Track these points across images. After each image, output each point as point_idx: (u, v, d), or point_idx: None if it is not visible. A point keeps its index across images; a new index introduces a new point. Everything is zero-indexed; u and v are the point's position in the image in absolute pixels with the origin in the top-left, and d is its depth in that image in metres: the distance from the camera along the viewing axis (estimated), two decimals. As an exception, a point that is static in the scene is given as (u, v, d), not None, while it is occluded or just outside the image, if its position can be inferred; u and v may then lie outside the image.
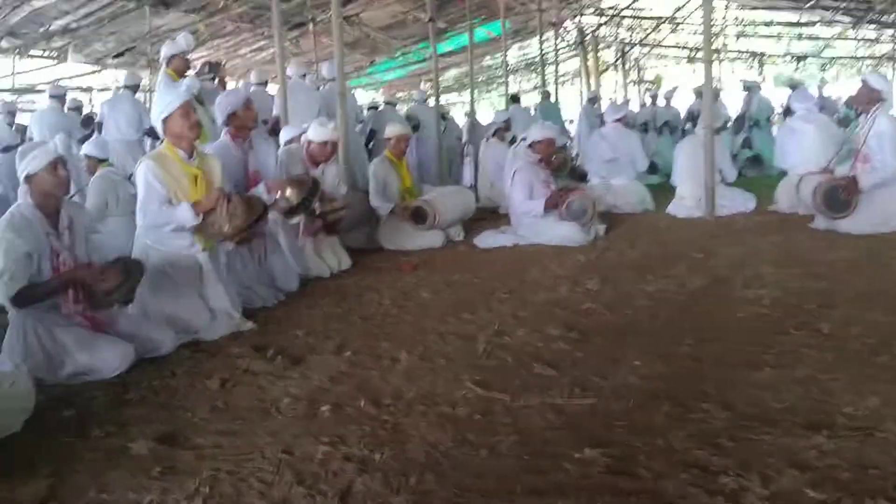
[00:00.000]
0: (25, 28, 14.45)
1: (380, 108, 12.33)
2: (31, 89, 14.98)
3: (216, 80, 9.05)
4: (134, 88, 9.45)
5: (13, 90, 14.56)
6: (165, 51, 7.69)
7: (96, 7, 14.22)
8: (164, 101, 4.93)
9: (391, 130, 7.84)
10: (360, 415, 3.19)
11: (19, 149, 4.13)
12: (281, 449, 2.87)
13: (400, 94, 26.04)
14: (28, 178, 3.94)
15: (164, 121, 4.65)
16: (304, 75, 10.01)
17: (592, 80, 22.59)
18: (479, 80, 23.83)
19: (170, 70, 7.58)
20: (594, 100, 16.27)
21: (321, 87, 10.13)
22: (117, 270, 4.09)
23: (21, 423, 3.22)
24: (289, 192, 5.17)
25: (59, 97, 9.76)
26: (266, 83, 10.25)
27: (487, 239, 7.37)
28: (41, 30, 14.37)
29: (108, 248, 6.53)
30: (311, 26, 16.30)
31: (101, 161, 7.08)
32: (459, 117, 17.82)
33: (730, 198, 8.42)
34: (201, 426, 3.18)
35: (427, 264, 6.56)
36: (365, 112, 13.16)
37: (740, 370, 3.45)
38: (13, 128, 10.55)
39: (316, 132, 6.35)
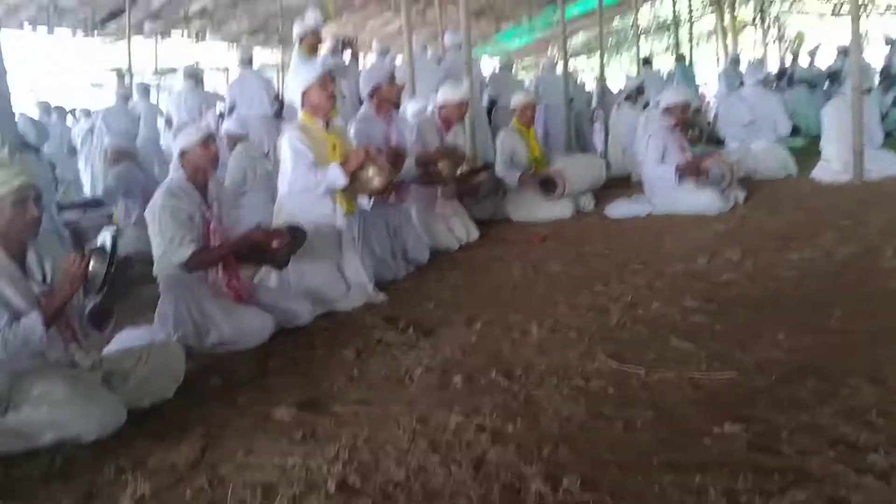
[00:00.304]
0: (166, 11, 15.19)
1: (496, 72, 12.16)
2: (171, 70, 15.71)
3: (349, 56, 9.22)
4: (249, 61, 9.72)
5: (155, 72, 15.32)
6: (297, 30, 7.90)
7: (230, -13, 14.79)
8: (301, 74, 5.08)
9: (516, 100, 7.77)
10: (492, 386, 3.20)
11: (174, 126, 4.35)
12: (415, 418, 2.91)
13: (527, 61, 25.83)
14: (182, 154, 4.14)
15: (304, 93, 4.81)
16: (424, 47, 10.05)
17: (730, 40, 21.60)
18: (609, 43, 23.24)
19: (303, 47, 7.77)
20: (737, 61, 15.53)
21: (444, 58, 10.15)
22: (284, 233, 4.34)
23: (173, 390, 3.43)
24: (441, 164, 5.21)
25: (193, 76, 10.20)
26: (387, 52, 10.34)
27: (619, 208, 7.22)
28: (180, 12, 15.06)
29: (246, 222, 6.86)
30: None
31: (240, 138, 7.37)
32: (588, 83, 17.45)
33: (879, 161, 7.88)
34: (339, 395, 3.28)
35: (556, 235, 6.49)
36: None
37: (892, 344, 3.24)
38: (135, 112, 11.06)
39: (449, 93, 6.46)
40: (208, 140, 4.17)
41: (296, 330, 4.26)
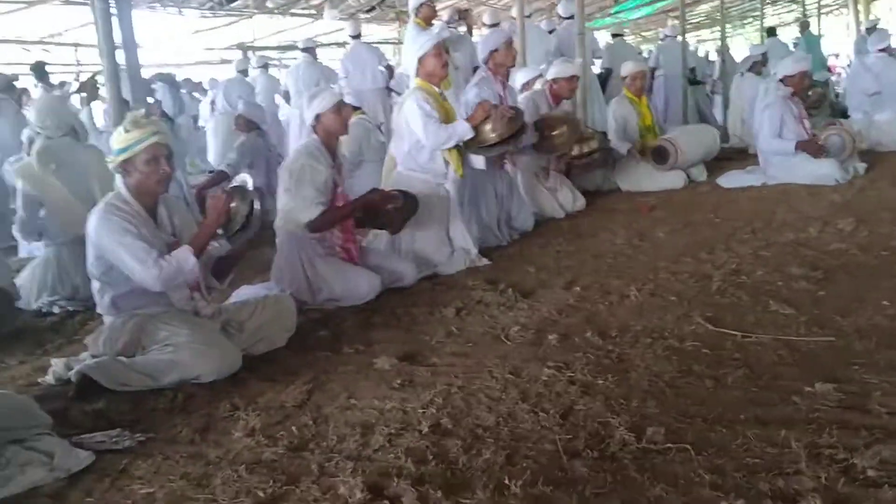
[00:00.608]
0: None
1: (611, 43, 11.98)
2: (292, 46, 16.19)
3: (465, 28, 9.29)
4: (357, 36, 9.93)
5: (277, 47, 15.83)
6: (413, 1, 8.00)
7: (349, -37, 15.09)
8: (417, 43, 5.23)
9: (627, 68, 7.67)
10: (586, 344, 3.27)
11: (308, 92, 4.55)
12: (508, 370, 3.02)
13: (648, 33, 25.23)
14: (317, 117, 4.35)
15: (420, 59, 4.95)
16: (530, 15, 10.01)
17: (861, 8, 20.43)
18: (732, 13, 22.37)
19: (418, 19, 7.87)
20: (872, 30, 14.69)
21: (556, 28, 10.09)
22: (399, 197, 4.54)
23: (285, 340, 3.67)
24: (487, 129, 5.24)
25: (310, 50, 10.51)
26: (498, 24, 10.36)
27: (732, 179, 7.06)
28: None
29: (359, 191, 7.09)
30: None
31: (355, 109, 7.61)
32: (711, 55, 16.92)
33: None
34: (437, 348, 3.43)
35: (665, 205, 6.42)
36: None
37: None
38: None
39: (561, 68, 6.49)
40: (341, 105, 4.38)
41: (400, 289, 4.43)
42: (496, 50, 5.76)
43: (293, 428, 2.68)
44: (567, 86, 6.52)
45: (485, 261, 4.95)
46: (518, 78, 7.04)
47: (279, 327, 3.70)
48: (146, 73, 8.40)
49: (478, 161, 5.18)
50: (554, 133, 6.03)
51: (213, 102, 11.99)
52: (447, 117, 4.94)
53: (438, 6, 8.90)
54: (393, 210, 4.51)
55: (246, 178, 3.90)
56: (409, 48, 7.11)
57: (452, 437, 2.51)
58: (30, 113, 9.68)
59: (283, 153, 7.97)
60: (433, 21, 8.05)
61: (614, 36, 12.03)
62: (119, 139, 3.31)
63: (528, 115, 6.12)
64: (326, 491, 2.22)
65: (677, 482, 2.10)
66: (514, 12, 10.14)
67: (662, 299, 3.81)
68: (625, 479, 2.15)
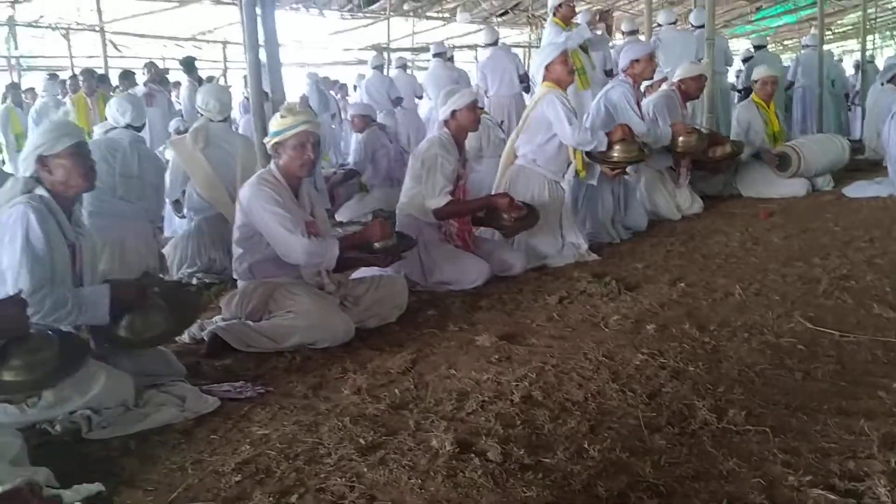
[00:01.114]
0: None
1: (753, 57, 11.73)
2: (425, 48, 16.63)
3: (604, 29, 9.31)
4: (495, 42, 10.11)
5: (411, 49, 16.29)
6: (552, 1, 8.03)
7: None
8: (546, 48, 5.42)
9: (758, 72, 7.56)
10: (682, 335, 3.35)
11: (444, 90, 4.82)
12: (602, 353, 3.15)
13: (791, 42, 24.32)
14: (453, 113, 4.62)
15: (547, 66, 5.12)
16: (675, 22, 9.94)
17: None
18: (879, 23, 21.30)
19: (556, 19, 7.82)
20: None
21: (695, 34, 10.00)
22: (523, 207, 4.76)
23: (395, 316, 3.93)
24: (616, 149, 5.31)
25: (441, 55, 10.82)
26: (636, 32, 10.34)
27: (859, 189, 6.85)
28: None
29: (477, 186, 7.32)
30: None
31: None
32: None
33: None
34: (537, 330, 3.59)
35: (785, 211, 6.32)
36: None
37: None
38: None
39: (688, 69, 6.56)
40: (475, 104, 4.65)
41: (508, 277, 4.62)
42: (637, 60, 5.85)
43: (396, 390, 2.91)
44: (695, 85, 6.58)
45: (594, 256, 5.06)
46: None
47: (391, 305, 3.97)
48: (292, 71, 8.92)
49: (595, 170, 5.33)
50: (682, 139, 6.09)
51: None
52: None
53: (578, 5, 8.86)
54: (514, 219, 4.69)
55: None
56: (543, 49, 7.23)
57: (541, 407, 2.67)
58: (182, 102, 10.48)
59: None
60: (571, 21, 8.00)
61: (757, 48, 11.77)
62: (275, 123, 3.70)
63: (661, 114, 6.21)
64: (420, 443, 2.44)
65: (751, 459, 2.19)
66: (662, 18, 10.17)
67: (766, 299, 3.83)
68: (701, 452, 2.26)
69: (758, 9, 20.64)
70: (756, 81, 7.50)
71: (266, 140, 3.80)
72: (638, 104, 5.85)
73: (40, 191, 2.91)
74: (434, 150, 4.56)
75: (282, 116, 3.68)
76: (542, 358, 3.16)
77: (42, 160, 2.92)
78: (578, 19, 8.44)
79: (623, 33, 10.66)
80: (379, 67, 11.91)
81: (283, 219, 3.59)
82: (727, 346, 3.17)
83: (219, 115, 5.33)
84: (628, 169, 5.61)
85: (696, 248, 5.20)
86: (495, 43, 10.09)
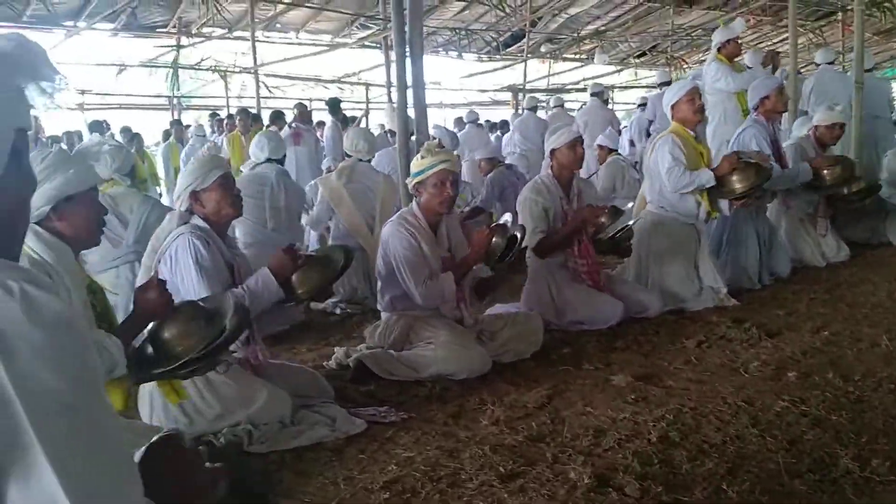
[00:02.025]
0: (561, 33, 16.34)
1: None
2: (561, 89, 16.81)
3: (773, 69, 9.11)
4: (667, 83, 10.06)
5: (546, 90, 16.50)
6: (718, 37, 7.56)
7: (624, 10, 15.44)
8: (673, 87, 5.44)
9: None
10: (825, 384, 3.29)
11: (549, 128, 4.95)
12: (741, 398, 3.14)
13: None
14: (552, 152, 4.73)
15: (673, 105, 5.14)
16: (833, 62, 9.67)
17: None
18: None
19: (721, 55, 7.61)
20: None
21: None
22: (605, 208, 4.84)
23: (531, 353, 4.03)
24: (732, 180, 5.20)
25: (599, 94, 10.92)
26: (799, 72, 10.06)
27: None
28: (574, 34, 16.09)
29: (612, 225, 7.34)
30: (839, 15, 15.50)
31: (611, 151, 7.94)
32: None
33: None
34: (674, 373, 3.60)
35: (942, 261, 6.02)
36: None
37: None
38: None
39: (823, 116, 6.34)
40: (576, 143, 4.69)
41: (643, 319, 4.62)
42: (767, 97, 5.78)
43: (532, 423, 3.01)
44: (829, 134, 6.31)
45: (733, 301, 4.99)
46: (795, 126, 6.91)
47: (526, 341, 4.07)
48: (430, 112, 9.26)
49: (724, 205, 5.23)
50: (825, 171, 5.93)
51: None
52: (698, 160, 5.05)
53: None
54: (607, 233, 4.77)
55: (508, 218, 4.34)
56: (708, 84, 7.18)
57: (679, 448, 2.70)
58: (326, 141, 11.01)
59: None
60: (735, 59, 7.80)
61: None
62: (415, 164, 3.93)
63: (793, 160, 6.07)
64: (558, 475, 2.52)
65: (897, 510, 2.16)
66: (820, 58, 9.88)
67: (918, 350, 3.70)
68: (842, 501, 2.24)
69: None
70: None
71: (408, 180, 4.03)
72: (773, 141, 5.73)
73: (196, 220, 3.22)
74: (525, 194, 4.70)
75: (422, 157, 3.90)
76: (679, 400, 3.18)
77: (195, 195, 3.22)
78: (747, 60, 8.25)
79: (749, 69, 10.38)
80: (533, 108, 12.07)
81: (412, 265, 3.79)
82: (872, 397, 3.09)
83: (367, 155, 5.66)
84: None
85: (840, 296, 5.04)
86: (667, 83, 10.05)
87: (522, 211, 4.69)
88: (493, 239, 4.03)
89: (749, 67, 7.78)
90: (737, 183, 5.05)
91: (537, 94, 14.55)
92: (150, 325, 2.74)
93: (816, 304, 4.85)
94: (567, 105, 13.57)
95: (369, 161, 5.82)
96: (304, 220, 5.96)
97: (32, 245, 2.42)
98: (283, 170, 5.52)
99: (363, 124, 12.75)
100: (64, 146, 11.28)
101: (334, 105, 11.69)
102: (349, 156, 5.77)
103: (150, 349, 2.71)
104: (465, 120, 12.22)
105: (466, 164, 12.10)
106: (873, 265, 6.08)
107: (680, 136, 5.10)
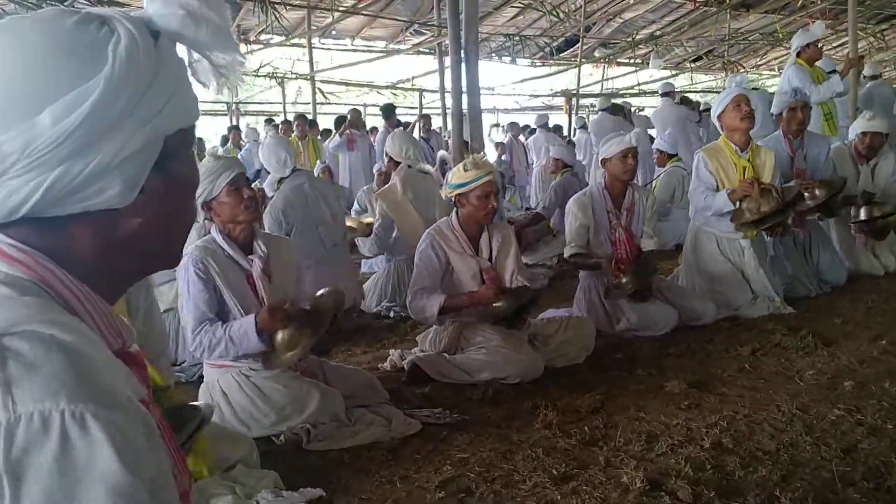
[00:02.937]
0: (615, 38, 16.27)
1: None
2: (615, 94, 16.72)
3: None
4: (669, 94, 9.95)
5: (598, 94, 16.44)
6: (797, 41, 7.40)
7: (680, 14, 15.32)
8: (719, 96, 5.38)
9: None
10: (882, 393, 3.26)
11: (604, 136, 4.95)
12: (796, 406, 3.13)
13: None
14: (602, 162, 4.75)
15: (719, 116, 5.08)
16: (879, 76, 9.44)
17: None
18: None
19: (800, 60, 7.30)
20: None
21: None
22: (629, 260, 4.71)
23: (583, 358, 4.06)
24: (745, 205, 5.06)
25: (669, 94, 10.85)
26: (878, 77, 9.86)
27: None
28: (628, 39, 16.01)
29: (670, 234, 7.30)
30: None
31: (671, 156, 7.88)
32: None
33: None
34: (728, 380, 3.60)
35: None
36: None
37: None
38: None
39: (865, 124, 6.15)
40: (628, 153, 4.65)
41: (698, 326, 4.60)
42: (780, 113, 5.63)
43: (585, 427, 3.04)
44: (869, 141, 6.03)
45: (789, 309, 4.94)
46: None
47: (579, 346, 4.10)
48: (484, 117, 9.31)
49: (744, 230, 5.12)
50: (806, 194, 5.60)
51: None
52: (738, 176, 4.95)
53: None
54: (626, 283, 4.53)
55: (445, 155, 4.32)
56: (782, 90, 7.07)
57: (732, 454, 2.72)
58: (377, 146, 11.15)
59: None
60: (817, 62, 7.64)
61: None
62: (458, 176, 3.94)
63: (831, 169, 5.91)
64: (611, 478, 2.56)
65: (953, 521, 2.15)
66: (867, 71, 9.66)
67: (980, 360, 3.64)
68: (898, 509, 2.23)
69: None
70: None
71: (446, 192, 4.03)
72: (791, 158, 5.57)
73: (214, 232, 3.22)
74: (570, 205, 4.73)
75: (465, 169, 3.92)
76: (733, 407, 3.19)
77: (207, 206, 3.19)
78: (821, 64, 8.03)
79: (865, 77, 10.08)
80: (607, 109, 11.96)
81: (415, 275, 3.94)
82: (933, 408, 3.06)
83: (417, 161, 5.65)
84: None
85: (900, 305, 4.97)
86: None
87: (566, 219, 4.74)
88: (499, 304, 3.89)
89: (834, 72, 7.52)
90: (747, 212, 4.88)
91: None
92: None
93: (874, 313, 4.78)
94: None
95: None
96: (363, 249, 5.81)
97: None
98: (309, 174, 5.36)
99: (416, 131, 12.85)
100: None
101: (388, 111, 11.82)
102: (392, 160, 5.69)
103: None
104: (534, 125, 12.23)
105: (536, 169, 12.11)
106: (937, 275, 5.96)
107: (718, 150, 5.04)
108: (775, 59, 18.97)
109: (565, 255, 4.72)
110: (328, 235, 5.04)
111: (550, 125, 14.07)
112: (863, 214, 5.87)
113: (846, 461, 2.59)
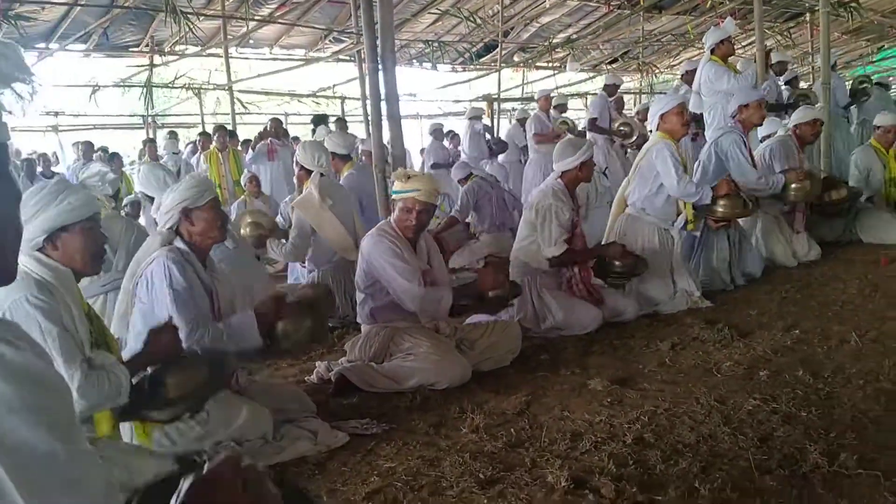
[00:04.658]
0: (533, 43, 16.48)
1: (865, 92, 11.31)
2: (532, 98, 16.90)
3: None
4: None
5: (521, 99, 16.64)
6: (711, 39, 7.60)
7: (595, 18, 15.61)
8: (664, 98, 5.56)
9: (882, 119, 7.41)
10: (796, 382, 3.38)
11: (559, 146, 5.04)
12: (714, 398, 3.22)
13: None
14: (563, 173, 4.85)
15: (662, 116, 5.25)
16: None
17: None
18: None
19: (715, 56, 7.49)
20: None
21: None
22: (632, 256, 4.95)
23: (510, 360, 4.09)
24: (721, 203, 5.33)
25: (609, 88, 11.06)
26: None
27: None
28: (545, 43, 16.23)
29: (590, 235, 7.42)
30: (807, 16, 15.74)
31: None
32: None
33: None
34: (649, 375, 3.68)
35: (908, 258, 6.14)
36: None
37: None
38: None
39: (803, 114, 6.51)
40: (586, 162, 4.84)
41: (619, 323, 4.70)
42: (747, 105, 5.88)
43: (511, 429, 3.07)
44: (809, 130, 6.52)
45: (707, 303, 5.08)
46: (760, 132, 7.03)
47: (506, 349, 4.14)
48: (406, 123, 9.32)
49: (699, 223, 5.39)
50: (795, 186, 6.00)
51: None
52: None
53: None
54: (621, 266, 4.88)
55: None
56: (706, 86, 7.30)
57: (653, 449, 2.78)
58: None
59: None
60: (729, 58, 7.81)
61: (879, 85, 11.41)
62: (396, 182, 4.01)
63: (778, 160, 6.19)
64: (536, 479, 2.58)
65: (861, 502, 2.24)
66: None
67: (883, 346, 3.79)
68: (811, 494, 2.32)
69: (879, 49, 20.08)
70: (879, 128, 7.35)
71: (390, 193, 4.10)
72: (749, 151, 5.87)
73: (178, 243, 3.21)
74: (549, 201, 4.74)
75: (402, 179, 3.96)
76: (654, 402, 3.25)
77: (186, 212, 3.20)
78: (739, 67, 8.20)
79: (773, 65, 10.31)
80: (521, 120, 12.14)
81: (401, 269, 3.86)
82: (841, 393, 3.19)
83: (327, 169, 5.59)
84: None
85: (812, 294, 5.15)
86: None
87: (546, 218, 4.74)
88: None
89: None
90: (721, 208, 5.27)
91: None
92: (154, 367, 2.80)
93: (788, 304, 4.96)
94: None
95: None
96: (274, 253, 5.72)
97: (35, 269, 2.46)
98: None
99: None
100: (39, 168, 11.29)
101: (319, 122, 11.68)
102: (305, 169, 5.59)
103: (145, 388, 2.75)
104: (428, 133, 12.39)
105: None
106: (844, 263, 6.20)
107: (671, 143, 5.22)
108: (688, 58, 19.46)
109: (556, 254, 4.71)
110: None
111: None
112: (833, 196, 6.51)
113: (762, 449, 2.67)
